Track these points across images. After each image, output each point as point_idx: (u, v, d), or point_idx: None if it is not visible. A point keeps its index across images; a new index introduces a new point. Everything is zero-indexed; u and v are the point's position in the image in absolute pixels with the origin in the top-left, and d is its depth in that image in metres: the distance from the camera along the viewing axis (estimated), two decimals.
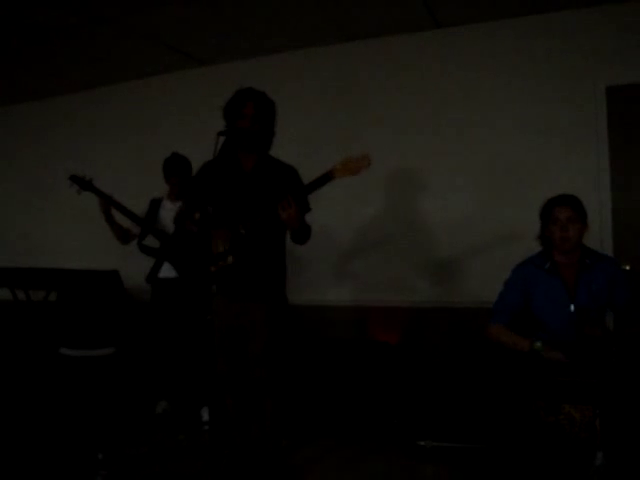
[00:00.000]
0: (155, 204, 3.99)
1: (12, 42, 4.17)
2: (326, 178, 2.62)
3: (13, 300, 4.63)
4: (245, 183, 2.78)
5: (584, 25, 3.75)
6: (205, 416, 3.79)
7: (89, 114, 5.35)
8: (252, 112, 2.70)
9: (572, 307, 2.67)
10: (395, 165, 4.19)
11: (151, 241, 3.93)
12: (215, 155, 2.60)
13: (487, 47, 3.99)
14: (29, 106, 5.65)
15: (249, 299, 2.77)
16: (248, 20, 3.95)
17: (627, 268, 3.40)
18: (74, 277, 4.44)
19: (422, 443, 3.17)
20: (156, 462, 3.24)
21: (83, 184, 3.80)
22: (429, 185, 4.11)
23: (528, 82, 3.88)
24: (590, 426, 2.32)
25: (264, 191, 2.71)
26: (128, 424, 3.81)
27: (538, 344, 2.61)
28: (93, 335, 4.23)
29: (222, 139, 2.63)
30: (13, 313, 4.79)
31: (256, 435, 2.84)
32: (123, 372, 4.20)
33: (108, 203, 3.76)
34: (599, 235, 3.53)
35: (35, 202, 5.54)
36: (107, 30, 4.02)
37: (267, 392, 2.79)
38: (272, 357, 2.77)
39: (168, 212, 3.88)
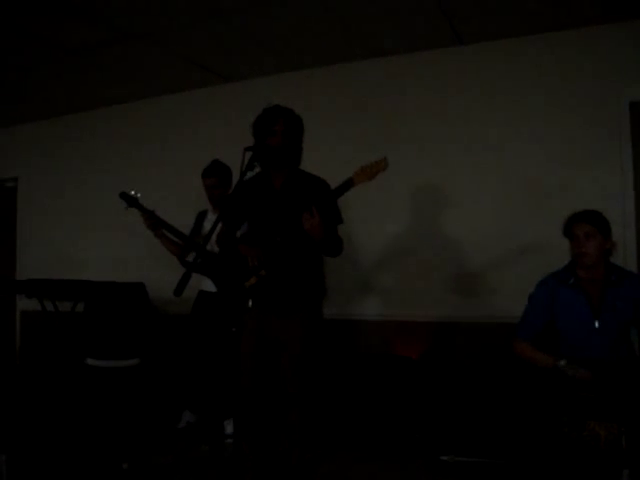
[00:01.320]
0: (201, 217, 3.97)
1: (46, 58, 4.30)
2: (347, 185, 2.66)
3: (41, 311, 4.72)
4: (275, 200, 2.81)
5: (607, 40, 3.75)
6: (228, 429, 3.81)
7: (117, 129, 5.46)
8: (282, 128, 2.74)
9: (596, 323, 2.66)
10: (419, 181, 4.21)
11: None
12: (242, 170, 2.65)
13: (510, 63, 4.01)
14: (61, 121, 5.78)
15: (285, 312, 2.79)
16: (272, 38, 4.03)
17: None
18: (101, 289, 4.52)
19: (445, 458, 3.16)
20: (180, 472, 3.27)
21: (130, 200, 3.73)
22: (453, 201, 4.11)
23: (551, 98, 3.88)
24: (615, 443, 2.30)
25: (294, 206, 2.72)
26: (152, 434, 3.85)
27: (562, 362, 2.60)
28: (119, 346, 4.30)
29: (249, 154, 2.68)
30: (41, 323, 4.88)
31: (284, 448, 2.85)
32: (148, 383, 4.24)
33: (150, 219, 3.66)
34: (622, 250, 3.49)
35: (66, 215, 5.65)
36: (138, 47, 4.13)
37: (297, 405, 2.79)
38: (302, 371, 2.78)
39: (210, 223, 3.85)
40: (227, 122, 4.72)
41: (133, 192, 3.74)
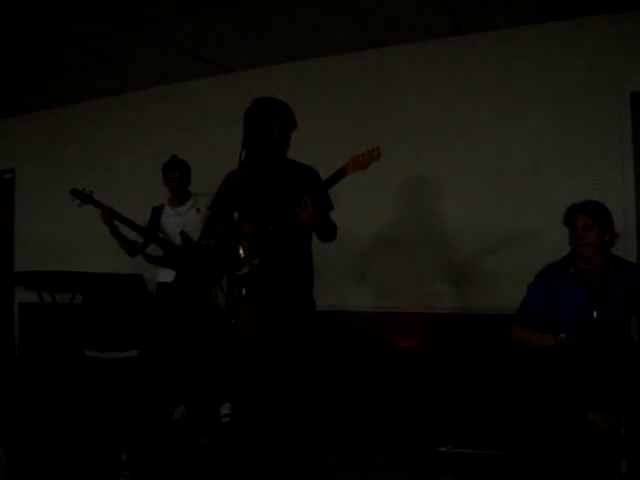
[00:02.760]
0: (157, 212, 3.99)
1: (44, 49, 4.26)
2: (339, 174, 2.69)
3: (40, 302, 4.71)
4: (265, 189, 2.84)
5: (608, 31, 3.73)
6: (224, 410, 3.84)
7: (115, 120, 5.43)
8: (278, 124, 2.77)
9: (595, 314, 2.65)
10: (417, 170, 4.20)
11: (156, 250, 3.92)
12: (241, 161, 2.65)
13: (509, 53, 3.99)
14: (58, 112, 5.74)
15: (276, 300, 2.82)
16: (271, 28, 4.00)
17: None
18: (99, 280, 4.52)
19: (443, 449, 3.16)
20: (179, 463, 3.27)
21: (83, 197, 3.84)
22: (450, 191, 4.10)
23: (551, 89, 3.86)
24: (615, 434, 2.30)
25: (283, 195, 2.76)
26: (151, 425, 3.85)
27: (562, 335, 2.61)
28: (117, 338, 4.30)
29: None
30: (40, 315, 4.88)
31: (284, 436, 2.87)
32: (146, 374, 4.24)
33: (109, 215, 3.77)
34: (622, 241, 3.48)
35: (61, 206, 5.61)
36: (135, 37, 4.09)
37: (295, 393, 2.82)
38: (298, 358, 2.81)
39: (170, 218, 3.93)
40: (225, 112, 4.69)
41: (85, 189, 3.85)
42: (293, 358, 2.80)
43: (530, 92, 3.92)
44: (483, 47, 4.06)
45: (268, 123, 2.74)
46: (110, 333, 4.32)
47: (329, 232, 2.87)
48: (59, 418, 3.99)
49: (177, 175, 3.92)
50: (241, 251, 2.78)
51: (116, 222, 3.82)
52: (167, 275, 3.84)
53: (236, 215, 3.00)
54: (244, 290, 2.80)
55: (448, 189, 4.12)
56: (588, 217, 2.67)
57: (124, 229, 3.89)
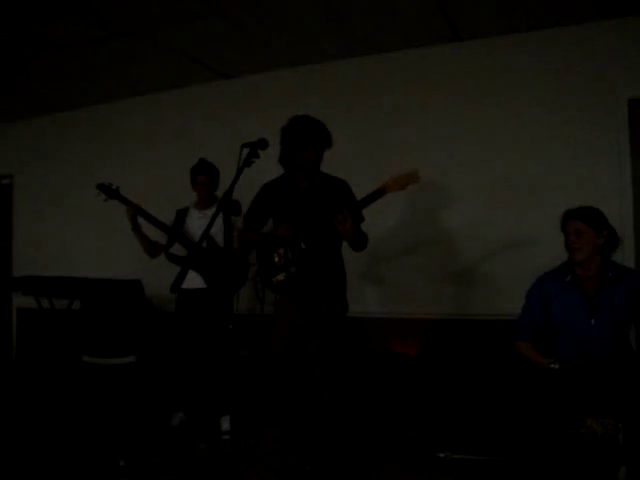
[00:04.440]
0: (182, 214, 3.97)
1: (42, 55, 4.27)
2: (379, 193, 2.86)
3: (38, 308, 4.70)
4: (302, 201, 2.98)
5: (605, 37, 3.74)
6: (225, 425, 3.80)
7: (113, 126, 5.44)
8: (315, 146, 2.94)
9: (593, 321, 2.66)
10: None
11: (178, 250, 3.88)
12: (239, 166, 2.65)
13: (507, 60, 4.00)
14: (57, 118, 5.75)
15: (311, 304, 2.95)
16: (270, 34, 4.01)
17: None
18: (97, 286, 4.51)
19: (442, 455, 3.16)
20: (177, 469, 3.26)
21: (110, 192, 3.83)
22: (451, 198, 4.11)
23: (549, 95, 3.87)
24: (613, 440, 2.30)
25: (319, 207, 2.90)
26: (149, 432, 3.84)
27: (554, 367, 2.64)
28: (115, 344, 4.29)
29: (246, 150, 2.68)
30: (38, 321, 4.86)
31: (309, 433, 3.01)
32: (144, 380, 4.24)
33: (135, 211, 3.75)
34: (620, 248, 3.49)
35: (60, 212, 5.63)
36: (134, 43, 4.10)
37: (322, 392, 2.93)
38: (327, 357, 2.92)
39: (196, 221, 3.87)
40: (224, 118, 4.70)
41: (112, 185, 3.84)
42: (322, 358, 2.91)
43: (528, 99, 3.93)
44: (481, 54, 4.07)
45: (307, 145, 2.89)
46: (108, 339, 4.31)
47: (362, 243, 3.03)
48: (57, 424, 3.97)
49: (207, 180, 3.91)
50: (276, 259, 2.93)
51: (140, 220, 3.79)
52: (191, 281, 3.72)
53: (270, 223, 3.14)
54: (278, 296, 3.00)
55: (447, 195, 4.12)
56: (580, 222, 2.70)
57: (146, 229, 3.85)
